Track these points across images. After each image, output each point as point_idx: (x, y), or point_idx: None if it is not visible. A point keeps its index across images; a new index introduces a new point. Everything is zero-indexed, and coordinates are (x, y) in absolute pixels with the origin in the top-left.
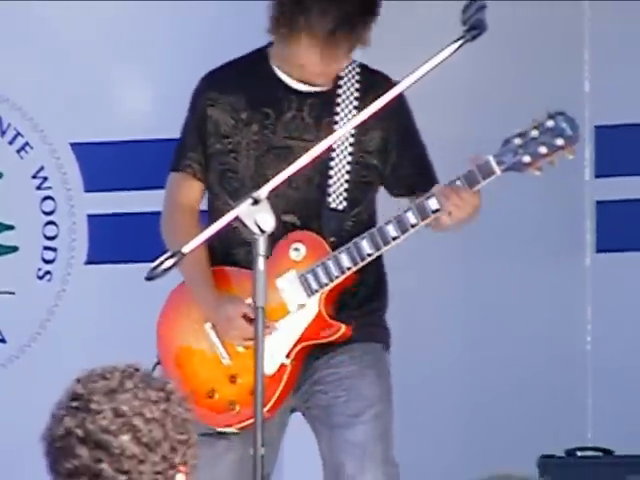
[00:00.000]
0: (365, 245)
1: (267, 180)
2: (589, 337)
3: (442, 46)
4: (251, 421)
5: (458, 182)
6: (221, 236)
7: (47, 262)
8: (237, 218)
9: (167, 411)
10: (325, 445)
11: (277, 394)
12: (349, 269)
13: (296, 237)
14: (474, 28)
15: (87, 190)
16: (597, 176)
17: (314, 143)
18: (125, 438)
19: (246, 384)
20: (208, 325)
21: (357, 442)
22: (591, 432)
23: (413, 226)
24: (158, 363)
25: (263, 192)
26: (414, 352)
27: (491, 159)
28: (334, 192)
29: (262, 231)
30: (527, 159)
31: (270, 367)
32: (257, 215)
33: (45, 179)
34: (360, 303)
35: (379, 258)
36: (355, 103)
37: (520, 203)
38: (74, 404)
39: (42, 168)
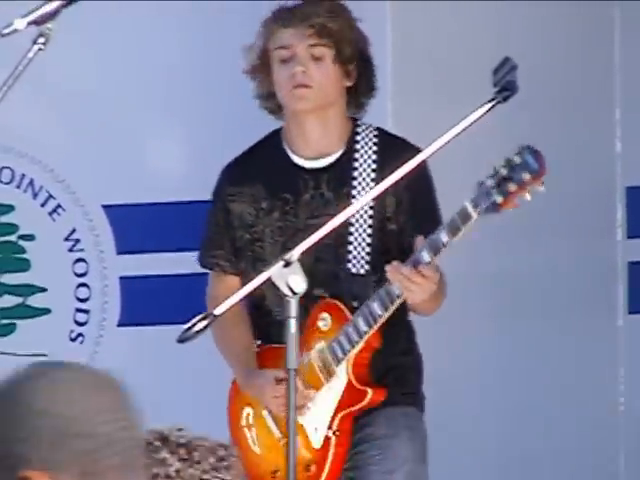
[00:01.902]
0: (376, 307)
1: None
2: (622, 398)
3: (471, 107)
4: None
5: (468, 204)
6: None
7: (79, 324)
8: (269, 280)
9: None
10: None
11: (327, 467)
12: (366, 333)
13: (322, 307)
14: (506, 89)
15: (119, 252)
16: (629, 237)
17: (317, 219)
18: None
19: (299, 460)
20: (264, 409)
21: None
22: None
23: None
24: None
25: (294, 254)
26: (444, 413)
27: (467, 204)
28: (354, 258)
29: (294, 293)
30: (500, 199)
31: (316, 441)
32: (289, 277)
33: (77, 241)
34: (387, 361)
35: (404, 319)
36: (373, 166)
37: (553, 264)
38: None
39: (74, 230)
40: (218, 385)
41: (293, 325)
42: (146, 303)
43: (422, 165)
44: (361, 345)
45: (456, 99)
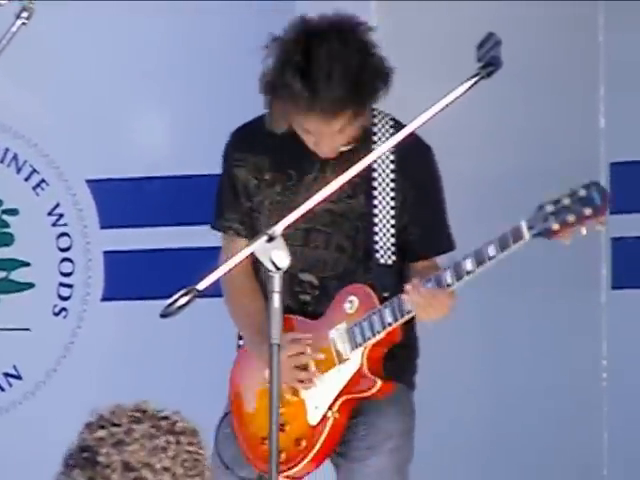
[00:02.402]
0: (406, 302)
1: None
2: (605, 373)
3: (455, 82)
4: (295, 470)
5: (523, 224)
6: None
7: (63, 299)
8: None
9: (177, 456)
10: (342, 477)
11: (319, 445)
12: (390, 325)
13: (351, 290)
14: (490, 65)
15: (103, 227)
16: (613, 212)
17: (336, 204)
18: None
19: (292, 433)
20: (267, 372)
21: (372, 473)
22: (607, 470)
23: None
24: (226, 414)
25: (278, 229)
26: (429, 391)
27: (523, 224)
28: (381, 248)
29: (277, 268)
30: (555, 227)
31: (313, 417)
32: (272, 252)
33: (61, 216)
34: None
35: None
36: (391, 157)
37: (536, 239)
38: (83, 455)
39: (58, 205)
40: (203, 360)
41: (277, 300)
42: (130, 278)
43: (431, 164)
44: (382, 336)
45: (441, 76)
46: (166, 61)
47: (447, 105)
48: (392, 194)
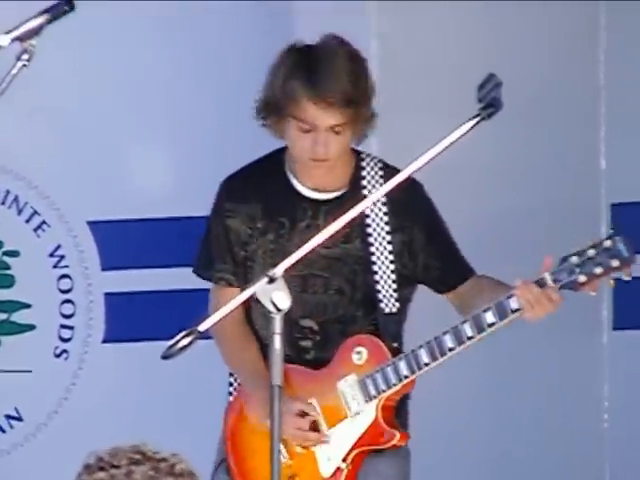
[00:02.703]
0: (423, 354)
1: None
2: (606, 415)
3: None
4: None
5: (548, 278)
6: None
7: (64, 340)
8: (253, 297)
9: None
10: None
11: None
12: (406, 377)
13: (359, 341)
14: (490, 106)
15: (104, 268)
16: None
17: (331, 249)
18: None
19: None
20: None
21: None
22: None
23: (470, 338)
24: (223, 461)
25: (279, 270)
26: (430, 424)
27: (547, 276)
28: (384, 297)
29: (278, 309)
30: (583, 279)
31: (326, 469)
32: (273, 293)
33: (62, 257)
34: None
35: None
36: (383, 200)
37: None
38: None
39: (59, 247)
40: (203, 402)
41: (278, 341)
42: (131, 319)
43: (427, 198)
44: (397, 389)
45: (440, 115)
46: (169, 102)
47: (446, 147)
48: (388, 238)
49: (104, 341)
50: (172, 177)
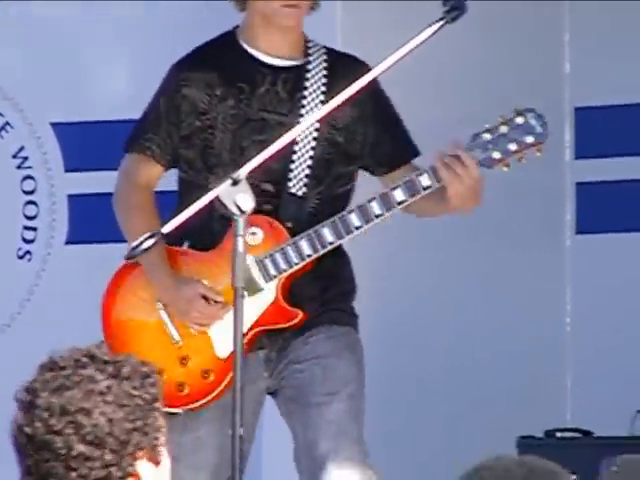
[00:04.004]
0: (326, 233)
1: (243, 153)
2: (568, 318)
3: (420, 27)
4: (199, 403)
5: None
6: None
7: (27, 242)
8: (217, 199)
9: (116, 400)
10: (298, 423)
11: (226, 380)
12: (309, 256)
13: (253, 221)
14: (454, 9)
15: (67, 170)
16: (577, 157)
17: (288, 117)
18: (70, 438)
19: (196, 366)
20: (159, 305)
21: (332, 420)
22: (570, 413)
23: (378, 216)
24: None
25: (242, 172)
26: (395, 336)
27: (460, 152)
28: (295, 177)
29: (242, 211)
30: (497, 155)
31: (221, 351)
32: (236, 196)
33: (25, 159)
34: (323, 288)
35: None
36: (323, 80)
37: (499, 184)
38: (26, 398)
39: (22, 148)
40: None
41: (241, 243)
42: (94, 221)
43: (374, 82)
44: (298, 267)
45: (406, 20)
46: (131, 7)
47: (411, 50)
48: (317, 125)
49: (67, 242)
50: (134, 80)
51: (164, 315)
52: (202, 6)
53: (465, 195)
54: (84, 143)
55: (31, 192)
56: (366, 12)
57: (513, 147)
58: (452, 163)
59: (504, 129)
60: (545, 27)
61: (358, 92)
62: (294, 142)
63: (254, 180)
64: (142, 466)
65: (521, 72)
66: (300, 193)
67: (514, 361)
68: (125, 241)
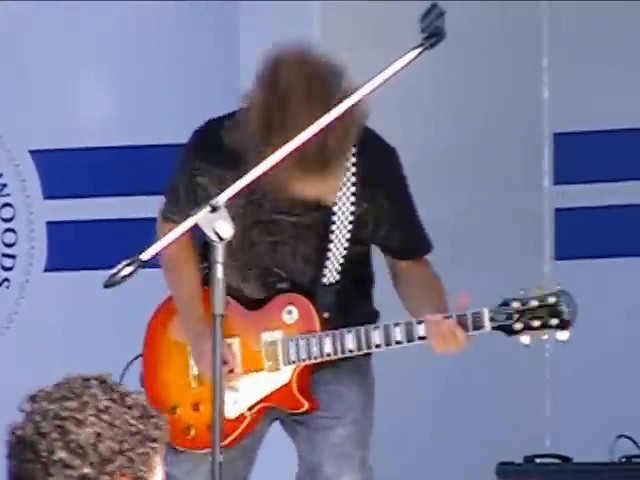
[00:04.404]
0: (349, 340)
1: (254, 247)
2: (548, 345)
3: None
4: (200, 452)
5: (485, 312)
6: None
7: (6, 269)
8: (196, 225)
9: (112, 421)
10: (304, 445)
11: (233, 437)
12: (328, 355)
13: (292, 300)
14: (433, 35)
15: (46, 197)
16: (556, 183)
17: (302, 217)
18: (54, 442)
19: (206, 414)
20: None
21: (337, 443)
22: (549, 440)
23: (398, 342)
24: (139, 356)
25: (221, 199)
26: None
27: (485, 312)
28: (329, 271)
29: (220, 238)
30: (518, 327)
31: (231, 412)
32: (215, 223)
33: (4, 186)
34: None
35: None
36: (353, 169)
37: (481, 211)
38: (27, 405)
39: (1, 175)
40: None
41: (220, 270)
42: (73, 248)
43: (400, 166)
44: (317, 361)
45: (386, 46)
46: (112, 33)
47: (390, 76)
48: (352, 209)
49: (46, 270)
50: (113, 107)
51: (191, 357)
52: (188, 28)
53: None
54: (63, 170)
55: (10, 219)
56: (344, 11)
57: (536, 324)
58: (444, 331)
59: (534, 304)
60: (524, 52)
61: (376, 185)
62: (328, 240)
63: (265, 265)
64: None
65: (501, 98)
66: (333, 281)
67: (494, 387)
68: (104, 268)
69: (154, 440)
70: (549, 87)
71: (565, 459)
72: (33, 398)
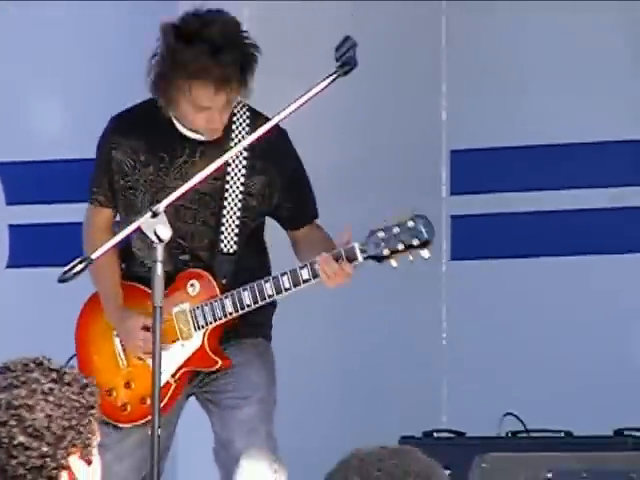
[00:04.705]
0: (245, 296)
1: None
2: (444, 333)
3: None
4: (138, 423)
5: (356, 246)
6: (126, 257)
7: None
8: (138, 229)
9: (57, 401)
10: (217, 423)
11: (163, 404)
12: (231, 314)
13: (193, 275)
14: (346, 64)
15: (9, 203)
16: (452, 194)
17: (203, 184)
18: (13, 429)
19: (137, 391)
20: (115, 332)
21: (245, 420)
22: (446, 416)
23: (287, 289)
24: (73, 356)
25: (161, 206)
26: (292, 348)
27: (356, 246)
28: (225, 238)
29: (160, 240)
30: (386, 252)
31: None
32: (156, 226)
33: None
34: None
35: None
36: (245, 144)
37: (381, 215)
38: None
39: None
40: None
41: (159, 268)
42: (32, 248)
43: (291, 145)
44: (221, 322)
45: (302, 75)
46: (62, 53)
47: (308, 100)
48: (242, 180)
49: (8, 266)
50: (67, 123)
51: (117, 342)
52: (141, 38)
53: (338, 284)
54: (23, 179)
55: None
56: (272, 12)
57: (400, 247)
58: (331, 267)
59: (396, 230)
60: (425, 80)
61: (268, 155)
62: (222, 207)
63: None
64: (74, 462)
65: (405, 119)
66: (232, 251)
67: (397, 371)
68: (59, 265)
69: (92, 407)
70: (447, 110)
71: (459, 434)
72: None
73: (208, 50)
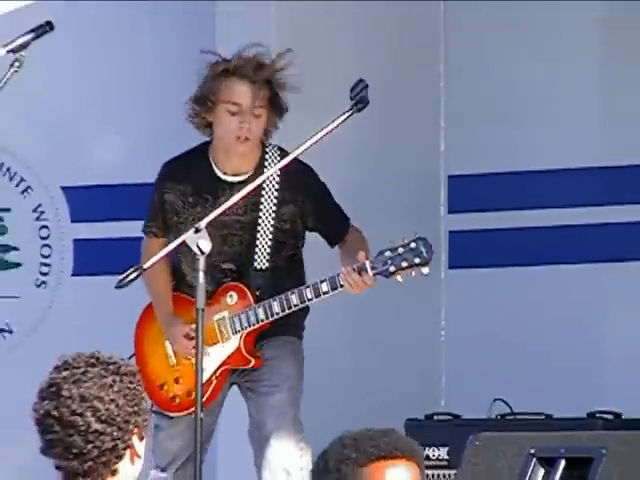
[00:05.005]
0: (275, 306)
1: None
2: (443, 331)
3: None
4: (183, 414)
5: (367, 264)
6: (176, 279)
7: (43, 274)
8: (184, 243)
9: (120, 391)
10: (253, 407)
11: (206, 397)
12: (262, 320)
13: (231, 287)
14: (359, 103)
15: (73, 221)
16: (450, 212)
17: (243, 217)
18: (89, 419)
19: (185, 386)
20: (166, 336)
21: (276, 405)
22: (444, 400)
23: (309, 299)
24: (133, 355)
25: (203, 223)
26: (313, 342)
27: (367, 264)
28: (258, 257)
29: (202, 252)
30: (392, 269)
31: (202, 378)
32: (198, 240)
33: (42, 213)
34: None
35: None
36: (277, 179)
37: (390, 234)
38: (51, 389)
39: (40, 205)
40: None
41: (202, 276)
42: (93, 259)
43: (316, 176)
44: (255, 327)
45: (317, 112)
46: (125, 97)
47: (326, 134)
48: (274, 208)
49: (73, 274)
50: (125, 152)
51: (168, 345)
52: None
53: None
54: (86, 201)
55: (46, 237)
56: (299, 11)
57: (404, 264)
58: (354, 277)
59: (401, 250)
60: (426, 115)
61: (297, 187)
62: (257, 232)
63: (215, 262)
64: (134, 440)
65: (408, 150)
66: (264, 267)
67: (402, 361)
68: (115, 273)
69: (141, 392)
70: (445, 142)
71: (456, 416)
72: (54, 384)
73: (246, 65)
